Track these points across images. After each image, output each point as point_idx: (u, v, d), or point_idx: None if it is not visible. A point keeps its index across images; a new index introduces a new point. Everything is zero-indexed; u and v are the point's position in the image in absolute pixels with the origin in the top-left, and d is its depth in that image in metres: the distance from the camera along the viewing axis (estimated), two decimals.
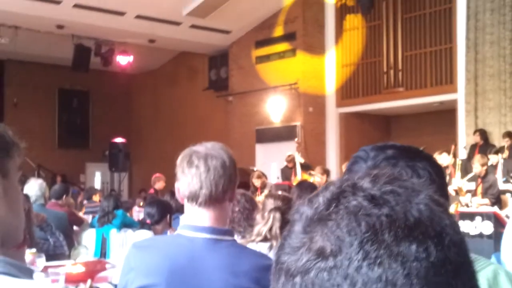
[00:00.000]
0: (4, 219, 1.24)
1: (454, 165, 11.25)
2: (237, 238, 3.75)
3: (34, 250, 4.59)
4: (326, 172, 12.35)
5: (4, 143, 1.26)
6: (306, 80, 15.40)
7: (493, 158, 11.10)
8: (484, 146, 12.26)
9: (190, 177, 2.08)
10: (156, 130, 19.90)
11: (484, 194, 9.94)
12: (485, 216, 9.30)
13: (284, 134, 15.44)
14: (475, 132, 12.61)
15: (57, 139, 20.03)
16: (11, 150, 1.27)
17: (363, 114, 15.66)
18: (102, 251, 6.73)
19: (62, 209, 7.14)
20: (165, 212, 5.81)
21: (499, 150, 11.59)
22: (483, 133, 12.53)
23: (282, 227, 3.53)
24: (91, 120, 20.79)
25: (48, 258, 4.79)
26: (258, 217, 3.75)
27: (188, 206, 2.12)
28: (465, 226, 9.43)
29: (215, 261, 2.03)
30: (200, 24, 15.67)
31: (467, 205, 10.04)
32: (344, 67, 15.51)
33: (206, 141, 2.19)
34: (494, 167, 10.99)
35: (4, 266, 1.17)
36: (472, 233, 9.33)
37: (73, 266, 4.67)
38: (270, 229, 3.63)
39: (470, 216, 9.46)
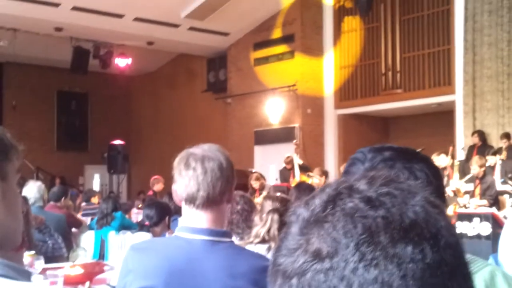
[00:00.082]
0: (3, 222, 1.24)
1: (452, 166, 11.26)
2: (236, 239, 3.75)
3: (32, 252, 4.58)
4: (325, 173, 12.36)
5: (2, 146, 1.26)
6: (305, 82, 15.40)
7: (491, 159, 11.11)
8: (482, 147, 12.27)
9: (187, 179, 2.08)
10: (155, 132, 19.89)
11: (482, 195, 9.95)
12: (483, 217, 9.31)
13: (282, 135, 15.43)
14: (473, 133, 12.62)
15: (56, 141, 20.01)
16: (9, 153, 1.27)
17: (361, 115, 15.66)
18: (101, 253, 6.72)
19: (60, 211, 7.13)
20: (163, 214, 5.80)
21: (497, 151, 11.60)
22: (481, 134, 12.54)
23: (280, 229, 3.53)
24: (90, 122, 20.78)
25: (47, 260, 4.78)
26: (256, 218, 3.76)
27: (186, 208, 2.12)
28: (463, 227, 9.43)
29: (213, 262, 2.03)
30: (198, 26, 15.67)
31: (465, 206, 10.05)
32: (342, 69, 15.51)
33: (205, 143, 2.19)
34: (492, 168, 11.00)
35: (3, 269, 1.17)
36: (470, 234, 9.34)
37: (71, 268, 4.66)
38: (268, 231, 3.64)
39: (468, 217, 9.47)
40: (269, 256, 3.05)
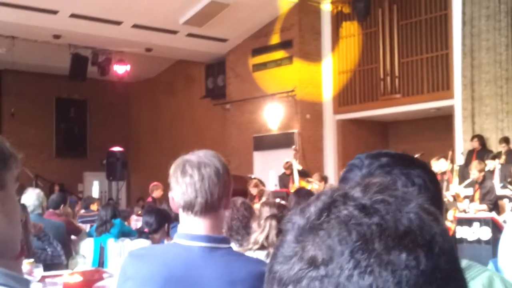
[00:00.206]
0: (2, 230, 1.25)
1: (451, 171, 11.26)
2: (235, 246, 3.75)
3: (31, 260, 4.58)
4: (324, 179, 12.38)
5: (1, 154, 1.27)
6: (303, 87, 15.42)
7: (490, 164, 11.11)
8: (482, 151, 12.27)
9: (184, 186, 2.07)
10: (154, 139, 19.89)
11: (482, 200, 9.94)
12: (483, 221, 9.31)
13: (281, 141, 15.44)
14: (473, 137, 12.62)
15: (55, 148, 20.00)
16: (8, 162, 1.28)
17: (360, 120, 15.67)
18: (100, 260, 6.71)
19: (60, 218, 7.12)
20: (163, 221, 5.80)
21: (496, 156, 11.60)
22: (481, 139, 12.54)
23: (278, 235, 3.53)
24: (89, 129, 20.77)
25: (46, 268, 4.77)
26: (254, 225, 3.76)
27: (184, 216, 2.12)
28: (463, 231, 9.43)
29: (212, 269, 2.03)
30: (196, 33, 15.69)
31: (464, 211, 10.04)
32: (340, 74, 15.53)
33: (204, 149, 2.19)
34: (492, 172, 11.00)
35: (2, 277, 1.17)
36: (470, 238, 9.34)
37: (70, 275, 4.66)
38: (267, 237, 3.64)
39: (468, 222, 9.47)
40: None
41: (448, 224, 9.85)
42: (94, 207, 10.73)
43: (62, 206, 7.54)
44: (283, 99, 15.48)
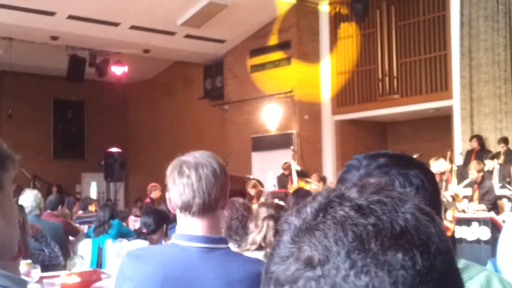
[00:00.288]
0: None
1: (450, 171, 11.27)
2: (233, 247, 3.75)
3: (29, 261, 4.58)
4: (323, 179, 12.39)
5: None
6: (302, 88, 15.43)
7: (489, 164, 11.12)
8: (480, 152, 12.28)
9: (182, 187, 2.07)
10: (152, 140, 19.88)
11: (481, 200, 9.96)
12: (482, 221, 9.32)
13: (280, 142, 15.46)
14: (472, 138, 12.64)
15: (53, 149, 19.99)
16: (6, 163, 1.28)
17: (358, 121, 15.68)
18: (98, 261, 6.71)
19: (57, 219, 7.12)
20: (161, 221, 5.79)
21: (495, 156, 11.61)
22: (479, 139, 12.56)
23: (276, 235, 3.53)
24: (87, 130, 20.76)
25: (44, 269, 4.77)
26: (251, 226, 3.76)
27: (181, 216, 2.11)
28: (462, 231, 9.44)
29: (209, 270, 2.02)
30: (194, 34, 15.70)
31: (463, 211, 10.05)
32: (339, 75, 15.54)
33: (203, 150, 2.18)
34: (490, 172, 11.01)
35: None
36: (469, 238, 9.35)
37: (68, 276, 4.65)
38: (264, 238, 3.64)
39: (467, 222, 9.48)
40: None
41: (447, 224, 9.86)
42: (92, 208, 10.75)
43: (60, 207, 7.54)
44: (282, 100, 15.49)
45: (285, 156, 14.14)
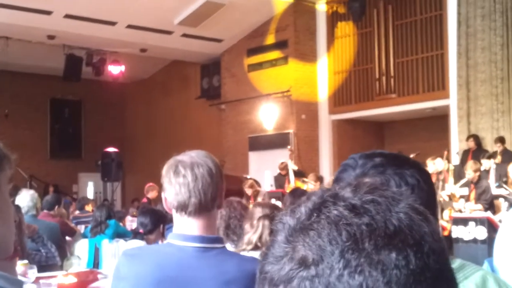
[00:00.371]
0: None
1: (447, 170, 11.27)
2: (230, 247, 3.75)
3: (25, 261, 4.57)
4: (320, 179, 12.40)
5: None
6: (299, 88, 15.43)
7: (485, 163, 11.13)
8: (477, 151, 12.29)
9: (178, 187, 2.07)
10: (149, 139, 19.86)
11: (477, 199, 9.96)
12: (478, 221, 9.33)
13: (277, 141, 15.45)
14: (469, 137, 12.64)
15: (49, 149, 19.96)
16: (2, 163, 1.28)
17: (355, 120, 15.69)
18: (95, 261, 6.70)
19: (54, 219, 7.11)
20: (158, 221, 5.79)
21: (492, 155, 11.62)
22: (476, 138, 12.57)
23: (271, 235, 3.53)
24: (83, 130, 20.73)
25: (40, 269, 4.77)
26: (246, 226, 3.77)
27: (177, 216, 2.11)
28: (459, 231, 9.45)
29: (205, 269, 2.02)
30: (191, 33, 15.69)
31: (460, 211, 10.06)
32: (336, 74, 15.54)
33: (199, 149, 2.18)
34: (487, 172, 11.02)
35: None
36: (466, 238, 9.36)
37: (65, 277, 4.65)
38: (260, 237, 3.64)
39: (464, 222, 9.50)
40: None
41: (444, 223, 9.88)
42: (88, 208, 10.73)
43: (56, 207, 7.53)
44: (279, 99, 15.49)
45: (282, 155, 14.14)
